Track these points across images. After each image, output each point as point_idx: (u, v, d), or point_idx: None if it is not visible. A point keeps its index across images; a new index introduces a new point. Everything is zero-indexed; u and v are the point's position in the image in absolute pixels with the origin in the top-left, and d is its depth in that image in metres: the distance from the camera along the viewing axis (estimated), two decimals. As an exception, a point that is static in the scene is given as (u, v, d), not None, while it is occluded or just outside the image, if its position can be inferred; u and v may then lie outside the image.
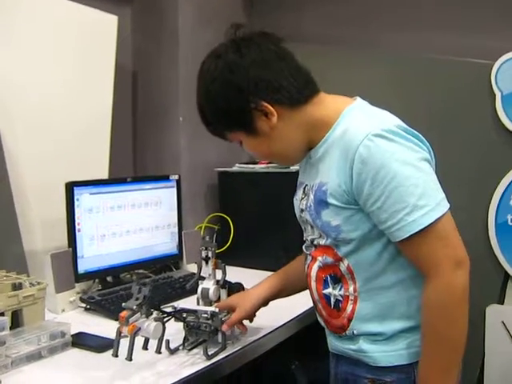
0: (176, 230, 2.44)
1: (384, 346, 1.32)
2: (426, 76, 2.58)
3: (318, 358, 1.78)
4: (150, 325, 1.39)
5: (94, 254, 2.14)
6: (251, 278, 2.44)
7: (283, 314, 1.91)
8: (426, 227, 1.18)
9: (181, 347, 1.61)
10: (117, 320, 1.39)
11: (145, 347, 1.44)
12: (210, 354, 1.54)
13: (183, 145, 2.72)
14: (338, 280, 1.36)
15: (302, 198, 1.43)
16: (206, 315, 1.59)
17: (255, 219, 2.62)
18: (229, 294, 1.66)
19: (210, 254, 1.63)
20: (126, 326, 1.36)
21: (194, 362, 1.54)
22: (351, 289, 1.33)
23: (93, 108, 2.33)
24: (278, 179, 2.54)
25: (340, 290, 1.35)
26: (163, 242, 2.40)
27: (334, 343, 1.46)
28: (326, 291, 1.39)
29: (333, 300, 1.38)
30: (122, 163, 2.62)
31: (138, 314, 1.39)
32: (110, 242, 2.18)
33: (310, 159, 1.40)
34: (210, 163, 2.78)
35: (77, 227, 2.07)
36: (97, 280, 2.22)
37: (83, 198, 2.08)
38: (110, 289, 2.12)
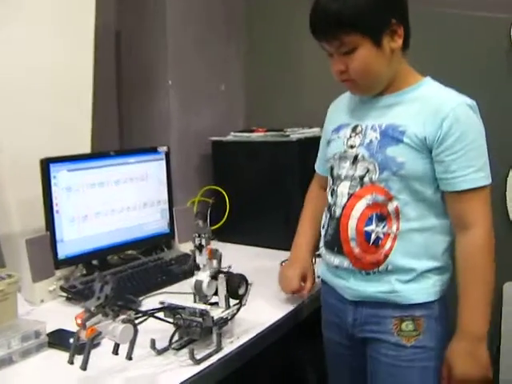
0: (166, 206, 2.24)
1: (414, 285, 1.48)
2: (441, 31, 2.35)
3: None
4: (116, 327, 1.20)
5: (76, 237, 1.94)
6: (249, 256, 2.29)
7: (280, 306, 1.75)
8: (481, 187, 1.42)
9: (170, 347, 1.43)
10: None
11: (115, 352, 1.26)
12: (198, 358, 1.36)
13: (173, 112, 2.50)
14: (383, 218, 1.48)
15: (352, 137, 1.54)
16: (195, 313, 1.40)
17: (253, 192, 2.43)
18: (228, 288, 1.46)
19: (203, 242, 1.44)
20: (84, 330, 1.17)
21: (182, 365, 1.36)
22: (394, 227, 1.47)
23: (71, 73, 2.08)
24: (277, 149, 2.35)
25: (383, 227, 1.48)
26: (153, 221, 2.20)
27: (356, 289, 1.53)
28: (368, 228, 1.48)
29: (373, 237, 1.48)
30: (105, 135, 2.39)
31: (99, 316, 1.20)
32: (93, 222, 1.98)
33: (374, 101, 1.53)
34: (202, 132, 2.57)
35: (55, 208, 1.87)
36: (80, 265, 2.02)
37: (60, 175, 1.87)
38: (94, 275, 1.92)
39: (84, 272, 2.03)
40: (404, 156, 1.44)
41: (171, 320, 1.40)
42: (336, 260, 1.55)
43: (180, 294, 1.61)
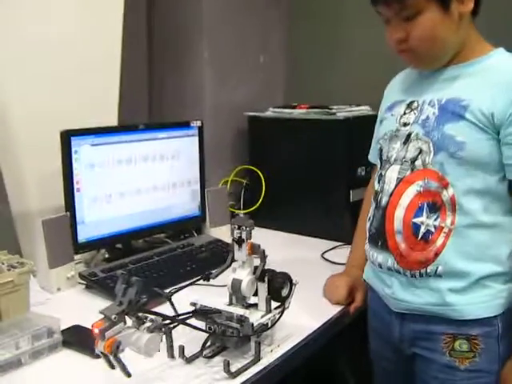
0: (198, 187, 2.04)
1: (470, 296, 1.27)
2: None
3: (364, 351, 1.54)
4: (140, 338, 1.01)
5: (98, 218, 1.75)
6: (286, 244, 2.09)
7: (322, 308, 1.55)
8: None
9: (200, 354, 1.24)
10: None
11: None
12: (233, 371, 1.16)
13: (207, 84, 2.29)
14: (435, 209, 1.28)
15: (406, 113, 1.36)
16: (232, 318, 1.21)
17: (292, 174, 2.22)
18: (270, 288, 1.26)
19: (244, 235, 1.24)
20: (103, 342, 0.98)
21: (216, 377, 1.17)
22: (449, 221, 1.27)
23: (98, 41, 1.88)
24: (322, 128, 2.13)
25: (436, 220, 1.27)
26: (182, 202, 2.00)
27: (402, 300, 1.33)
28: (417, 220, 1.29)
29: (422, 230, 1.28)
30: (133, 108, 2.20)
31: (121, 325, 1.01)
32: (117, 203, 1.80)
33: (435, 74, 1.34)
34: (238, 107, 2.36)
35: (75, 186, 1.68)
36: (102, 250, 1.84)
37: (83, 150, 1.69)
38: (117, 261, 1.74)
39: (106, 256, 1.86)
40: (465, 135, 1.24)
41: (203, 327, 1.21)
42: (379, 257, 1.36)
43: (212, 286, 1.39)
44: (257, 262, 1.28)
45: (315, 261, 1.91)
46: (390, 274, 1.34)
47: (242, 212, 2.31)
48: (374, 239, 1.38)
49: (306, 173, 2.18)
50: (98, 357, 1.20)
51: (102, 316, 0.99)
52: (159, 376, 1.15)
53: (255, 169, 2.30)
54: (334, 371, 1.72)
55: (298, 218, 2.19)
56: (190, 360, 1.22)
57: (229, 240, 1.97)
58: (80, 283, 1.68)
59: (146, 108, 2.35)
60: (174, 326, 1.09)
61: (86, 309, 1.50)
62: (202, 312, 1.19)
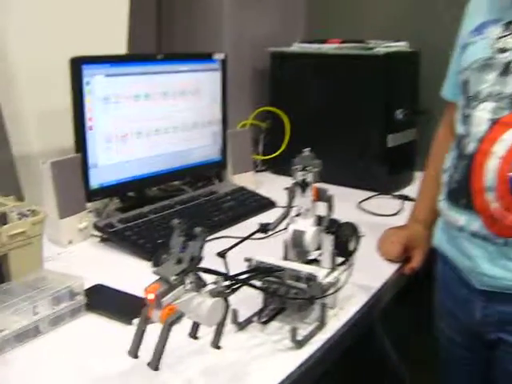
0: (219, 128, 1.81)
1: None
2: None
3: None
4: (202, 304, 0.80)
5: (113, 161, 1.53)
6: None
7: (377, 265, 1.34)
8: None
9: (255, 319, 1.04)
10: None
11: (193, 334, 0.87)
12: (299, 339, 0.97)
13: (226, 15, 2.02)
14: None
15: (504, 36, 1.10)
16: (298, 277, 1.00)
17: (319, 117, 1.98)
18: (338, 243, 1.06)
19: (309, 178, 1.02)
20: (158, 310, 0.76)
21: (278, 347, 0.97)
22: None
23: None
24: (357, 64, 1.89)
25: None
26: (203, 146, 1.78)
27: (491, 275, 1.09)
28: None
29: None
30: (142, 37, 1.92)
31: (180, 289, 0.79)
32: (133, 144, 1.57)
33: None
34: (259, 41, 2.09)
35: (87, 124, 1.45)
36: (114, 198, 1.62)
37: (96, 81, 1.45)
38: (133, 211, 1.52)
39: (120, 206, 1.63)
40: None
41: (265, 286, 1.00)
42: (461, 219, 1.11)
43: (247, 239, 1.17)
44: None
45: (352, 211, 1.71)
46: (473, 242, 1.10)
47: (261, 158, 2.09)
48: (453, 196, 1.14)
49: (336, 116, 1.95)
50: (129, 323, 1.01)
51: (156, 277, 0.77)
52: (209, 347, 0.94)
53: (278, 111, 2.06)
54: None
55: (326, 165, 1.95)
56: (243, 326, 1.02)
57: (253, 188, 1.80)
58: (93, 235, 1.46)
59: (153, 37, 2.07)
60: (237, 288, 0.87)
61: (105, 265, 1.32)
62: (265, 271, 0.98)
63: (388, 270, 1.31)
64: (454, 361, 1.29)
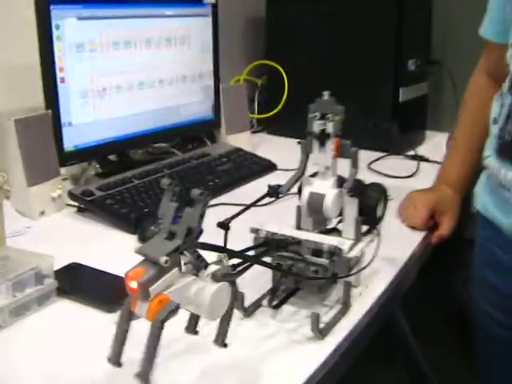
0: (211, 82, 1.61)
1: None
2: None
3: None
4: (203, 291, 0.60)
5: (89, 119, 1.32)
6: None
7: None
8: None
9: (264, 303, 0.85)
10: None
11: (192, 329, 0.67)
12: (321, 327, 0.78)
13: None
14: None
15: None
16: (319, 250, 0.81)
17: (322, 69, 1.78)
18: (363, 208, 0.86)
19: (330, 128, 0.83)
20: (145, 302, 0.57)
21: (295, 338, 0.79)
22: None
23: None
24: (362, 8, 1.71)
25: None
26: (193, 102, 1.58)
27: None
28: None
29: None
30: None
31: (175, 272, 0.59)
32: (113, 100, 1.36)
33: None
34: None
35: (58, 75, 1.24)
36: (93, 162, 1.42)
37: (68, 24, 1.24)
38: (115, 176, 1.32)
39: (99, 171, 1.44)
40: None
41: (276, 262, 0.81)
42: None
43: (254, 205, 0.97)
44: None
45: (362, 174, 1.52)
46: None
47: (256, 117, 1.89)
48: (507, 150, 0.96)
49: (340, 68, 1.76)
50: (111, 311, 0.82)
51: (141, 258, 0.57)
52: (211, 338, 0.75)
53: (275, 64, 1.87)
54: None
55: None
56: (250, 312, 0.83)
57: (250, 149, 1.61)
58: (69, 205, 1.26)
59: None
60: (245, 268, 0.68)
61: (82, 240, 1.12)
62: (279, 243, 0.78)
63: (414, 238, 1.13)
64: (488, 334, 1.12)
